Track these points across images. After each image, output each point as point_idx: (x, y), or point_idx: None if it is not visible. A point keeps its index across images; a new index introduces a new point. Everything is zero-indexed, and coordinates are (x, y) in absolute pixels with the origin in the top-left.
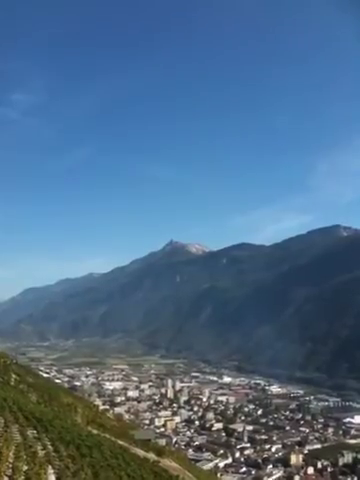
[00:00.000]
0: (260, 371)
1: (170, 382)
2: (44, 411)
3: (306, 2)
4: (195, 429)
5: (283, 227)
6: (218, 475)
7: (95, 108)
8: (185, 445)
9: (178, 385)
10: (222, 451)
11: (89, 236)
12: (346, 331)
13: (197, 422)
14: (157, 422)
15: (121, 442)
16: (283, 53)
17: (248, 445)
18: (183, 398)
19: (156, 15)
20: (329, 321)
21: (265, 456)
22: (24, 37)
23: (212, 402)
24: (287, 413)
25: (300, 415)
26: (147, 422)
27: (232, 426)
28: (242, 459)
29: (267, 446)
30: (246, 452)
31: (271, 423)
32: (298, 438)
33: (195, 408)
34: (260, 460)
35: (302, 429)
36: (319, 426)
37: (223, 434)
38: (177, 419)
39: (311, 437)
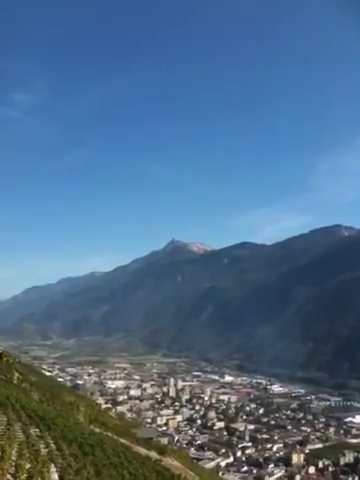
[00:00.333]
0: (262, 370)
1: (172, 381)
2: (47, 409)
3: (306, 2)
4: (197, 428)
5: (284, 227)
6: (220, 474)
7: (96, 108)
8: (187, 444)
9: (180, 384)
10: (224, 450)
11: (91, 235)
12: (347, 331)
13: (199, 421)
14: (159, 421)
15: (123, 441)
16: (283, 53)
17: (250, 444)
18: (185, 397)
19: (156, 16)
20: (330, 321)
21: (266, 455)
22: (25, 37)
23: (214, 401)
24: (288, 412)
25: (301, 414)
26: (149, 421)
27: (234, 425)
28: (244, 458)
29: (268, 445)
30: (248, 451)
31: (272, 422)
32: (299, 437)
33: (197, 407)
34: (261, 459)
35: (303, 428)
36: (320, 425)
37: (225, 433)
38: (179, 418)
39: (312, 436)
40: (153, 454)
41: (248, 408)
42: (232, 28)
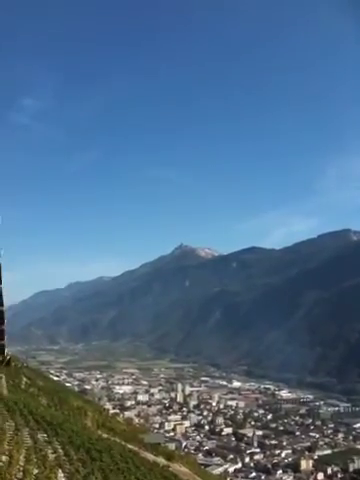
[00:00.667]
0: (270, 376)
1: (180, 386)
2: (54, 415)
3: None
4: (205, 434)
5: (293, 231)
6: None
7: (102, 111)
8: (195, 449)
9: (188, 389)
10: (232, 456)
11: (99, 240)
12: (356, 335)
13: (207, 426)
14: (167, 426)
15: (131, 446)
16: (291, 56)
17: (258, 450)
18: (193, 402)
19: (161, 20)
20: (339, 325)
21: (275, 461)
22: (32, 43)
23: (222, 407)
24: (297, 418)
25: (310, 420)
26: (157, 426)
27: (242, 431)
28: (252, 464)
29: (277, 451)
30: (256, 457)
31: (281, 428)
32: (308, 443)
33: (205, 412)
34: (270, 465)
35: (312, 434)
36: (329, 431)
37: (233, 439)
38: (187, 423)
39: (321, 442)
40: (161, 460)
41: (256, 414)
42: (239, 27)
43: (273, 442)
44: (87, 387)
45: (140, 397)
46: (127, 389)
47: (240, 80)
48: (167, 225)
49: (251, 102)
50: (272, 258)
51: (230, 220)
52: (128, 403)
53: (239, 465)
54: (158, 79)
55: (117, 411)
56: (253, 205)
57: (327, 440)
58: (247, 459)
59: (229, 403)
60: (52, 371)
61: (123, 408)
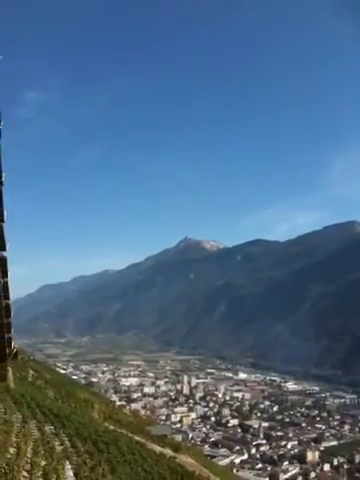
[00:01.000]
0: (276, 368)
1: (186, 378)
2: (61, 407)
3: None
4: (211, 425)
5: (298, 224)
6: (234, 471)
7: (107, 106)
8: (201, 441)
9: (194, 381)
10: (238, 447)
11: (103, 233)
12: None
13: (213, 418)
14: (173, 418)
15: (138, 438)
16: (291, 55)
17: (264, 441)
18: (199, 394)
19: (165, 24)
20: (344, 318)
21: (281, 453)
22: (37, 37)
23: (228, 398)
24: (303, 410)
25: (316, 412)
26: (163, 418)
27: (248, 422)
28: (258, 455)
29: (283, 443)
30: (262, 448)
31: (287, 420)
32: (314, 435)
33: (211, 404)
34: (276, 456)
35: (318, 426)
36: (335, 423)
37: (239, 430)
38: (193, 415)
39: (327, 434)
40: (167, 451)
41: (262, 405)
42: (256, 21)
43: (279, 433)
44: (93, 380)
45: (146, 389)
46: (133, 381)
47: (242, 78)
48: (171, 218)
49: (255, 99)
50: (277, 250)
51: (235, 213)
52: (134, 395)
53: (245, 456)
54: (161, 77)
55: (123, 403)
56: (258, 198)
57: (333, 431)
58: (253, 450)
59: (235, 395)
60: (59, 364)
61: (129, 400)
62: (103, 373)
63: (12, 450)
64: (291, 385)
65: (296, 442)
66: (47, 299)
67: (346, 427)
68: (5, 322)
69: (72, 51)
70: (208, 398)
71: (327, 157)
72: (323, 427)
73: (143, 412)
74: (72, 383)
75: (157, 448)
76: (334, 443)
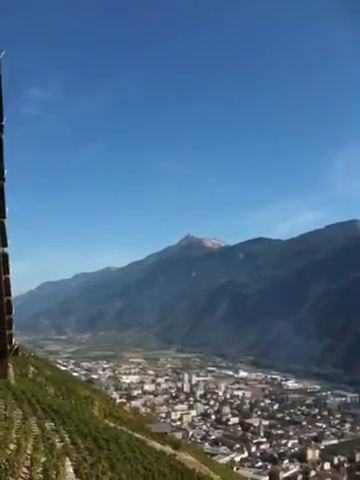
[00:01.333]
0: (276, 366)
1: (186, 376)
2: (62, 404)
3: None
4: (211, 423)
5: (300, 222)
6: (234, 469)
7: (109, 104)
8: (201, 439)
9: (194, 379)
10: (238, 445)
11: (105, 231)
12: None
13: (213, 416)
14: (173, 416)
15: (138, 435)
16: (298, 50)
17: (264, 440)
18: (199, 392)
19: (166, 24)
20: (346, 316)
21: (281, 451)
22: (40, 35)
23: (228, 396)
24: (303, 408)
25: (317, 410)
26: (163, 415)
27: (248, 421)
28: (258, 454)
29: (283, 441)
30: (262, 447)
31: (287, 418)
32: (315, 433)
33: (211, 402)
34: (276, 455)
35: (319, 424)
36: (336, 421)
37: (239, 428)
38: (193, 413)
39: (328, 432)
40: (167, 449)
41: (263, 404)
42: (256, 21)
43: (279, 432)
44: (94, 377)
45: (147, 387)
46: (134, 379)
47: (243, 77)
48: (173, 216)
49: (256, 97)
50: (279, 249)
51: (237, 211)
52: (135, 393)
53: (245, 454)
54: (163, 76)
55: (124, 400)
56: (260, 196)
57: (334, 430)
58: (253, 448)
59: (236, 393)
60: (59, 361)
61: (130, 397)
62: (104, 370)
63: (12, 446)
64: (292, 383)
65: (296, 440)
66: (48, 296)
67: (347, 426)
68: (6, 318)
69: (75, 49)
70: (208, 396)
71: (329, 155)
72: (324, 426)
73: (143, 409)
74: (72, 380)
75: (157, 446)
76: (334, 442)
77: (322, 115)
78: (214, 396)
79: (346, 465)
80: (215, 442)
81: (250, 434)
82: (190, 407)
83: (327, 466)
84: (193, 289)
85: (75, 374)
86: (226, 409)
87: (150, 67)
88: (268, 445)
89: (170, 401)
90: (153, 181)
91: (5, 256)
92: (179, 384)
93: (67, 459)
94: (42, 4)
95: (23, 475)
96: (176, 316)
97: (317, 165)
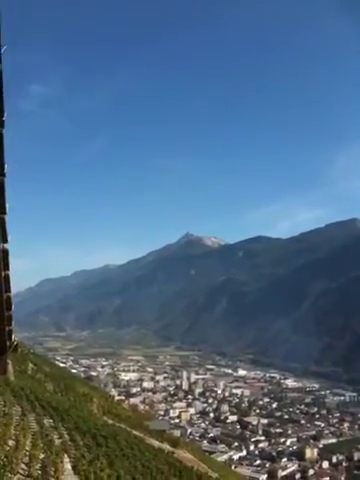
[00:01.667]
0: (275, 364)
1: (185, 374)
2: (60, 400)
3: None
4: (210, 421)
5: (300, 220)
6: (232, 467)
7: (110, 100)
8: (199, 437)
9: (193, 377)
10: (236, 443)
11: (104, 228)
12: None
13: (212, 414)
14: (172, 413)
15: (136, 432)
16: (300, 48)
17: (263, 438)
18: (198, 390)
19: (168, 20)
20: (346, 315)
21: (279, 449)
22: (41, 31)
23: (227, 394)
24: (302, 407)
25: (315, 409)
26: (162, 413)
27: (247, 419)
28: (256, 452)
29: (282, 439)
30: (260, 445)
31: (286, 417)
32: (313, 432)
33: (210, 400)
34: (274, 453)
35: (317, 423)
36: (334, 420)
37: (238, 426)
38: (192, 411)
39: (326, 431)
40: (166, 446)
41: (261, 402)
42: (258, 21)
43: (278, 430)
44: (93, 374)
45: (145, 384)
46: (132, 376)
47: (244, 74)
48: (173, 214)
49: (257, 95)
50: (279, 247)
51: (237, 210)
52: (133, 390)
53: (244, 453)
54: (164, 72)
55: (122, 398)
56: (260, 195)
57: (332, 429)
58: (252, 447)
59: (234, 391)
60: (58, 358)
61: (128, 395)
62: (102, 367)
63: (11, 443)
64: (291, 382)
65: (295, 439)
66: (47, 293)
67: (345, 425)
68: (6, 315)
69: (76, 45)
70: (207, 394)
71: (329, 154)
72: (322, 424)
73: (142, 407)
74: (71, 377)
75: (155, 443)
76: (333, 440)
77: (323, 113)
78: (213, 394)
79: (344, 464)
80: (213, 440)
81: (248, 432)
82: (189, 405)
83: (325, 465)
84: (192, 287)
85: (74, 371)
86: (225, 407)
87: (151, 63)
88: (267, 443)
89: (169, 399)
90: (153, 178)
91: (5, 252)
92: (178, 382)
93: (65, 456)
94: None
95: (21, 471)
96: (175, 314)
97: (318, 163)
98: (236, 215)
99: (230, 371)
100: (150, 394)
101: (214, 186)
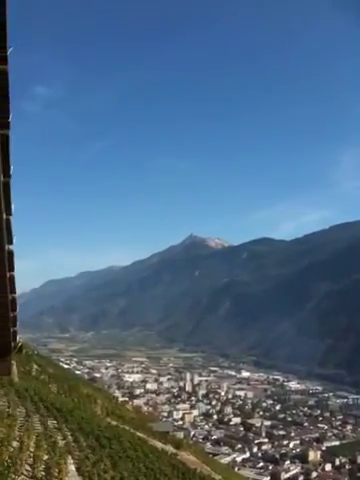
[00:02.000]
0: (279, 366)
1: (188, 376)
2: (64, 402)
3: None
4: (213, 423)
5: (304, 222)
6: (235, 469)
7: (115, 100)
8: (203, 439)
9: (196, 379)
10: (240, 445)
11: (109, 230)
12: None
13: (215, 416)
14: (175, 415)
15: (140, 434)
16: (304, 48)
17: (266, 440)
18: (201, 392)
19: (174, 19)
20: (349, 317)
21: (283, 452)
22: (45, 32)
23: (230, 396)
24: (305, 409)
25: (318, 411)
26: (165, 415)
27: (250, 421)
28: (260, 454)
29: (285, 442)
30: (264, 447)
31: (289, 419)
32: (316, 434)
33: (213, 402)
34: (278, 455)
35: (320, 425)
36: (338, 423)
37: (241, 429)
38: (195, 412)
39: (329, 434)
40: (169, 448)
41: (265, 404)
42: (256, 24)
43: (281, 432)
44: (97, 375)
45: (149, 386)
46: (136, 377)
47: (248, 74)
48: (177, 215)
49: (262, 95)
50: (283, 249)
51: (241, 211)
52: (137, 391)
53: (247, 455)
54: (168, 73)
55: (126, 399)
56: (264, 196)
57: (335, 431)
58: (255, 449)
59: (238, 393)
60: (62, 359)
61: (132, 396)
62: (106, 369)
63: (15, 444)
64: (294, 384)
65: (298, 441)
66: (52, 294)
67: (348, 427)
68: (11, 316)
69: (79, 46)
70: (211, 396)
71: (334, 155)
72: (325, 427)
73: (145, 408)
74: (75, 378)
75: (159, 445)
76: (336, 443)
77: (328, 113)
78: (216, 396)
79: (347, 466)
80: (217, 442)
81: (252, 434)
82: (192, 407)
83: (328, 467)
84: (196, 288)
85: (78, 372)
86: (228, 409)
87: (154, 64)
88: (270, 446)
89: (172, 400)
90: (157, 179)
91: (10, 253)
92: (181, 383)
93: (69, 457)
94: (45, 0)
95: (26, 473)
96: (179, 315)
97: (322, 164)
98: (240, 216)
99: (233, 373)
100: (154, 396)
101: (218, 187)
